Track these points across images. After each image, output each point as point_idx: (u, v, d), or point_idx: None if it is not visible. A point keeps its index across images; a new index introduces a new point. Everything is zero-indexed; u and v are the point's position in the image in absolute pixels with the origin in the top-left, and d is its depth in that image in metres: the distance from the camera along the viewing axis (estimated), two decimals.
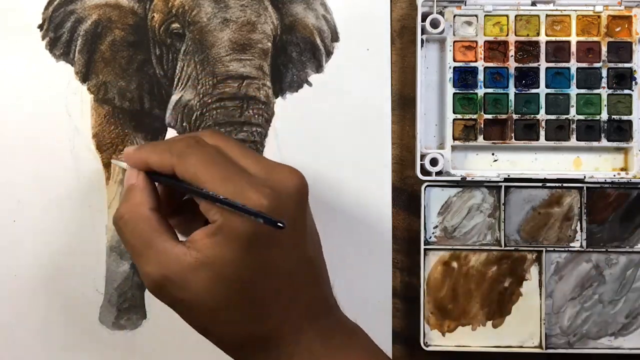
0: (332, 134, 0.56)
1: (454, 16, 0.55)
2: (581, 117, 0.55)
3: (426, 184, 0.55)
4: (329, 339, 0.44)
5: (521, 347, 0.56)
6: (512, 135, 0.55)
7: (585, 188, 0.55)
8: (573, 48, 0.55)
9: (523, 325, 0.55)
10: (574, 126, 0.55)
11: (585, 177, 0.55)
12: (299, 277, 0.43)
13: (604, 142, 0.55)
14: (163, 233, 0.42)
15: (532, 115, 0.55)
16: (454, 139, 0.55)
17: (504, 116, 0.55)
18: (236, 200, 0.39)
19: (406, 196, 0.57)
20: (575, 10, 0.55)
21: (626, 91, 0.55)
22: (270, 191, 0.40)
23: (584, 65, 0.55)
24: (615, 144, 0.55)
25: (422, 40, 0.55)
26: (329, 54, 0.57)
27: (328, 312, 0.46)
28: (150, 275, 0.42)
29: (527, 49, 0.55)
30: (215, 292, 0.41)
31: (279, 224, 0.38)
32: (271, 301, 0.42)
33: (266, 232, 0.40)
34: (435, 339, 0.56)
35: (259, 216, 0.39)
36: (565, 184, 0.55)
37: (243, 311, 0.42)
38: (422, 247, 0.55)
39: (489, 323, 0.56)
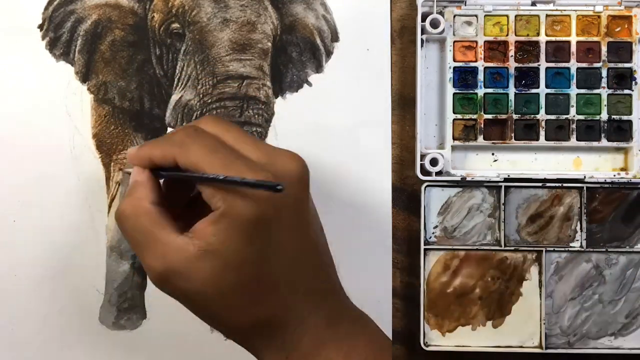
0: (332, 134, 0.56)
1: (454, 16, 0.55)
2: (581, 117, 0.55)
3: (426, 184, 0.55)
4: (335, 325, 0.44)
5: (521, 347, 0.56)
6: (512, 135, 0.55)
7: (585, 188, 0.55)
8: (573, 48, 0.55)
9: (523, 325, 0.55)
10: (574, 126, 0.55)
11: (585, 177, 0.55)
12: (303, 261, 0.43)
13: (604, 142, 0.55)
14: (165, 226, 0.42)
15: (532, 115, 0.55)
16: (454, 139, 0.55)
17: (504, 116, 0.55)
18: (233, 190, 0.40)
19: (406, 196, 0.57)
20: (575, 10, 0.55)
21: (626, 91, 0.55)
22: (272, 175, 0.40)
23: (584, 65, 0.55)
24: (615, 144, 0.55)
25: (422, 40, 0.55)
26: (329, 54, 0.57)
27: (334, 297, 0.46)
28: (154, 268, 0.42)
29: (527, 49, 0.55)
30: (220, 279, 0.41)
31: (277, 187, 0.38)
32: (276, 285, 0.42)
33: (269, 216, 0.40)
34: (435, 339, 0.56)
35: (258, 185, 0.39)
36: (565, 184, 0.55)
37: (248, 297, 0.42)
38: (422, 247, 0.55)
39: (489, 323, 0.56)
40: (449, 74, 0.55)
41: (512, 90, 0.55)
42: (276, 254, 0.42)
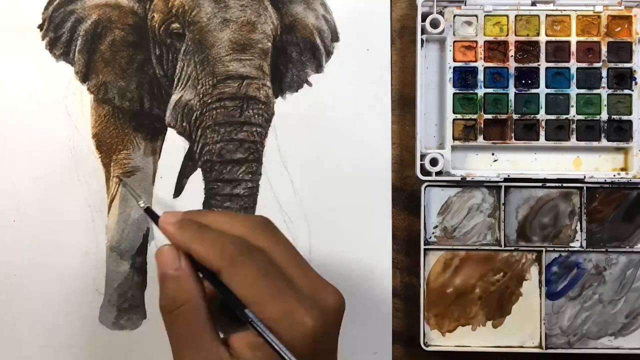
0: (332, 134, 0.56)
1: (454, 16, 0.55)
2: (581, 117, 0.55)
3: (426, 184, 0.55)
4: None
5: (521, 347, 0.56)
6: (512, 135, 0.55)
7: (585, 188, 0.55)
8: (573, 48, 0.55)
9: (523, 325, 0.55)
10: (574, 126, 0.55)
11: (585, 177, 0.55)
12: None
13: (604, 142, 0.55)
14: (210, 330, 0.40)
15: (532, 115, 0.55)
16: (454, 139, 0.55)
17: (504, 116, 0.55)
18: (281, 323, 0.38)
19: (406, 196, 0.57)
20: (575, 10, 0.55)
21: (626, 91, 0.55)
22: (318, 314, 0.39)
23: (584, 65, 0.55)
24: (615, 144, 0.55)
25: (422, 40, 0.55)
26: (329, 54, 0.57)
27: None
28: None
29: (527, 49, 0.55)
30: None
31: None
32: None
33: (307, 351, 0.39)
34: (435, 339, 0.56)
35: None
36: (565, 184, 0.55)
37: None
38: (422, 247, 0.55)
39: (489, 323, 0.56)
40: (449, 74, 0.55)
41: (512, 90, 0.55)
42: None
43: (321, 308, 0.40)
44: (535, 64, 0.55)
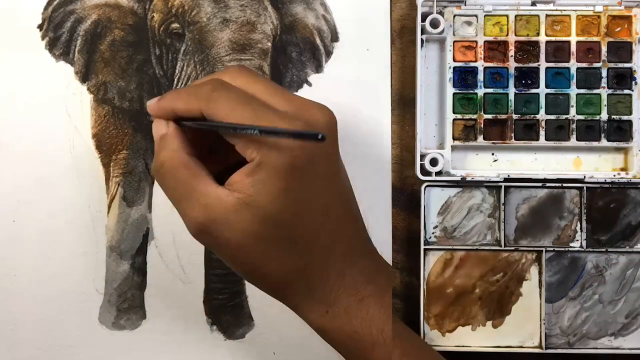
0: None
1: (454, 16, 0.55)
2: (581, 117, 0.55)
3: (426, 184, 0.55)
4: (374, 279, 0.45)
5: (521, 347, 0.56)
6: (512, 135, 0.55)
7: (585, 188, 0.55)
8: (573, 48, 0.55)
9: (523, 325, 0.55)
10: (573, 126, 0.55)
11: (585, 177, 0.55)
12: (337, 211, 0.44)
13: (604, 142, 0.55)
14: (204, 176, 0.42)
15: (532, 115, 0.55)
16: (454, 139, 0.55)
17: (503, 116, 0.55)
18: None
19: (406, 196, 0.57)
20: (575, 10, 0.55)
21: (626, 91, 0.55)
22: (303, 124, 0.41)
23: (584, 65, 0.55)
24: (615, 144, 0.55)
25: (422, 40, 0.55)
26: (328, 54, 0.57)
27: (370, 255, 0.47)
28: (195, 218, 0.42)
29: (527, 49, 0.55)
30: (259, 230, 0.41)
31: (318, 136, 0.38)
32: (314, 235, 0.43)
33: (304, 165, 0.41)
34: (435, 339, 0.56)
35: (299, 134, 0.39)
36: (565, 184, 0.55)
37: (288, 247, 0.42)
38: (422, 247, 0.55)
39: (489, 323, 0.56)
40: (449, 74, 0.55)
41: (512, 90, 0.55)
42: (312, 202, 0.42)
43: (306, 122, 0.41)
44: (535, 64, 0.55)
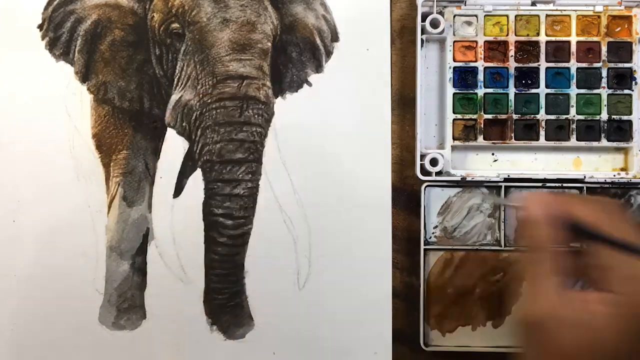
0: (332, 134, 0.56)
1: (454, 16, 0.55)
2: (581, 117, 0.55)
3: (426, 184, 0.55)
4: None
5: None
6: (512, 135, 0.55)
7: (585, 188, 0.55)
8: (573, 48, 0.55)
9: None
10: (574, 126, 0.55)
11: (585, 177, 0.55)
12: None
13: (604, 142, 0.55)
14: (559, 274, 0.42)
15: (532, 115, 0.55)
16: (454, 139, 0.55)
17: (503, 116, 0.55)
18: None
19: (406, 196, 0.57)
20: (575, 10, 0.55)
21: (626, 91, 0.55)
22: None
23: (584, 65, 0.55)
24: (615, 144, 0.55)
25: (422, 40, 0.55)
26: (329, 54, 0.57)
27: None
28: (542, 310, 0.41)
29: (527, 49, 0.55)
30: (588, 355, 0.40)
31: None
32: None
33: None
34: (435, 339, 0.56)
35: None
36: (565, 184, 0.55)
37: None
38: (422, 247, 0.55)
39: (489, 323, 0.56)
40: (449, 74, 0.55)
41: (512, 90, 0.55)
42: None
43: None
44: (535, 64, 0.55)
